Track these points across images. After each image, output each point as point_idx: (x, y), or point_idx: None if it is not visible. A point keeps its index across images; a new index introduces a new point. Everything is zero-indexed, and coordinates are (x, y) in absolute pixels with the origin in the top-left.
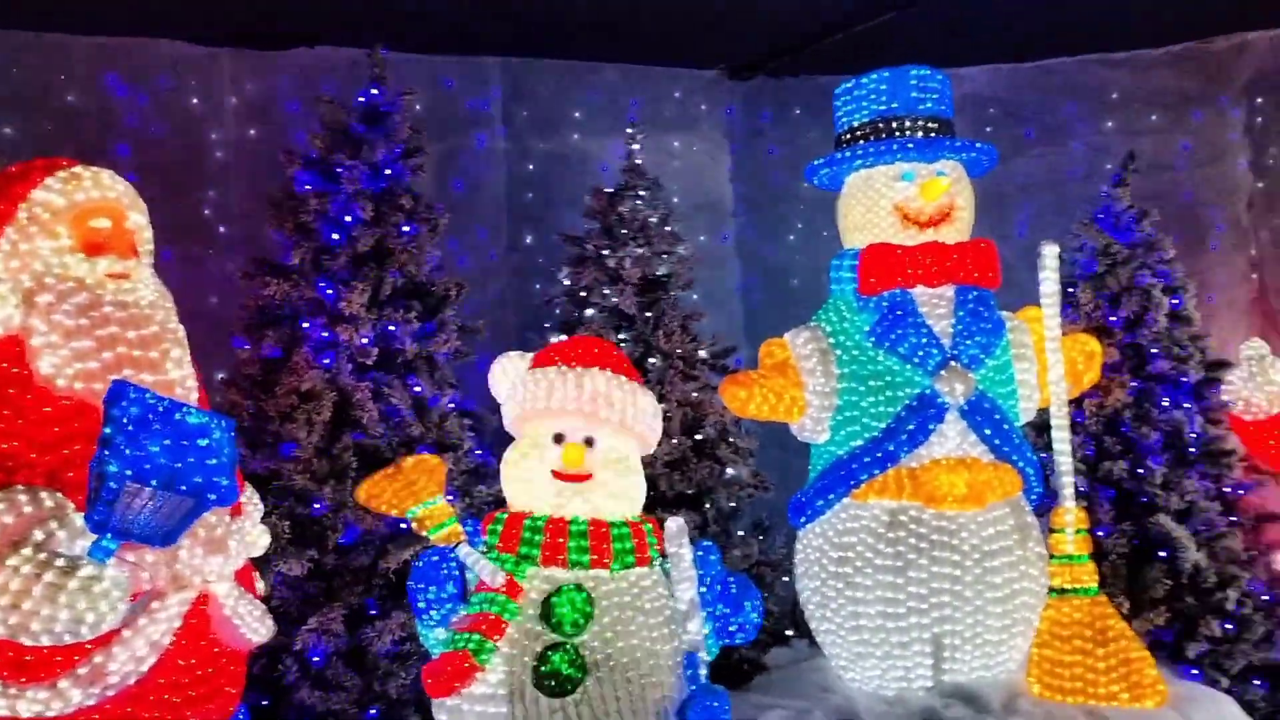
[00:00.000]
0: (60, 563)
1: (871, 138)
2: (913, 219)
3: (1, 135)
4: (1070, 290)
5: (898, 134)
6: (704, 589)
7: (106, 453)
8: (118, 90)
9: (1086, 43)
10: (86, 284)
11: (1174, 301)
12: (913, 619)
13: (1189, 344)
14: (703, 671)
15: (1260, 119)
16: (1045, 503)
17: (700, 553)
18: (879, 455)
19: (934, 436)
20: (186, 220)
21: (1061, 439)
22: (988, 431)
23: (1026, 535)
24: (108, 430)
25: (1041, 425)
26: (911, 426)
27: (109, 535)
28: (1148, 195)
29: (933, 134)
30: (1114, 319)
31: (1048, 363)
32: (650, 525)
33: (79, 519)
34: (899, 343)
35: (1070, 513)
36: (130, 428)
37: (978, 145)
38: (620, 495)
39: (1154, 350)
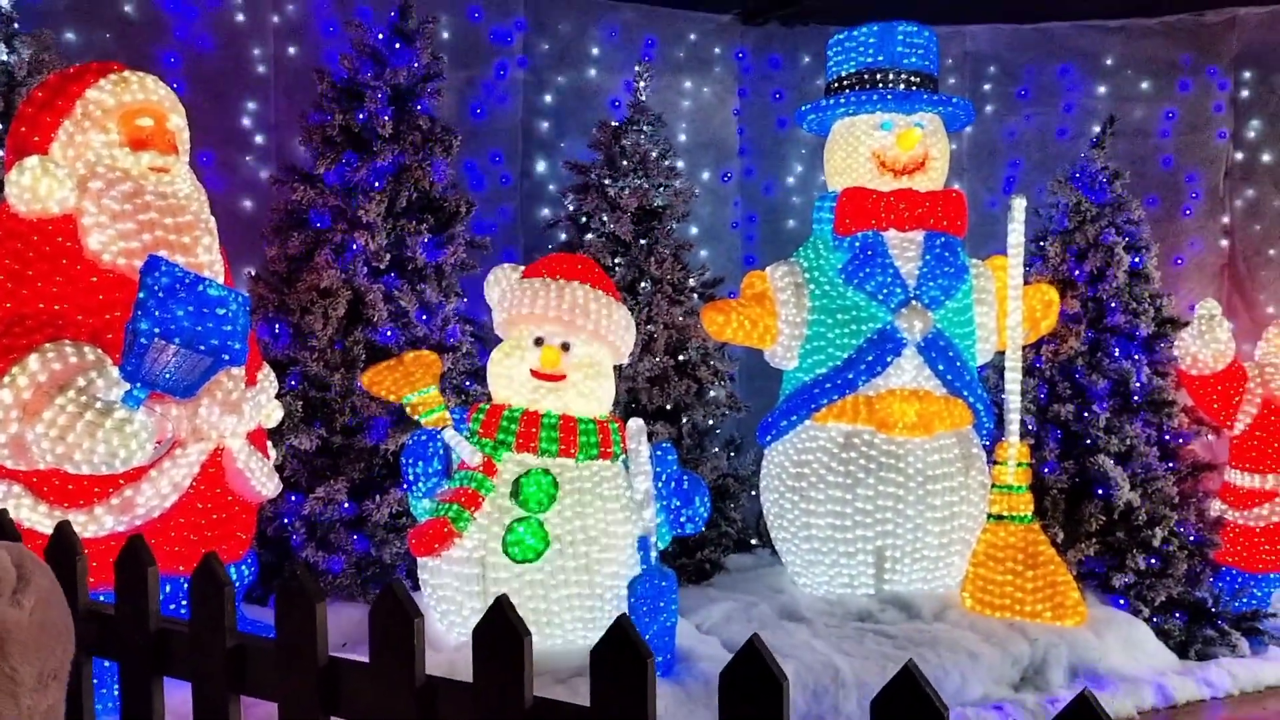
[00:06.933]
0: (99, 405)
1: (856, 87)
2: (889, 166)
3: (63, 41)
4: (1041, 243)
5: (880, 85)
6: (659, 484)
7: (139, 313)
8: (169, 4)
9: (1085, 8)
10: (131, 174)
11: (1135, 260)
12: (859, 531)
13: (1146, 300)
14: (654, 554)
15: (1245, 92)
16: (995, 437)
17: (659, 452)
18: (839, 382)
19: (891, 369)
20: (226, 128)
21: (1013, 379)
22: (941, 367)
23: (970, 464)
24: (141, 294)
25: (1001, 367)
26: (871, 358)
27: (139, 385)
28: (1132, 158)
29: (914, 87)
30: (1079, 273)
31: (1008, 308)
32: (615, 424)
33: (115, 370)
34: (866, 280)
35: (1014, 447)
36: (160, 294)
37: (954, 100)
38: (589, 395)
39: (1112, 304)
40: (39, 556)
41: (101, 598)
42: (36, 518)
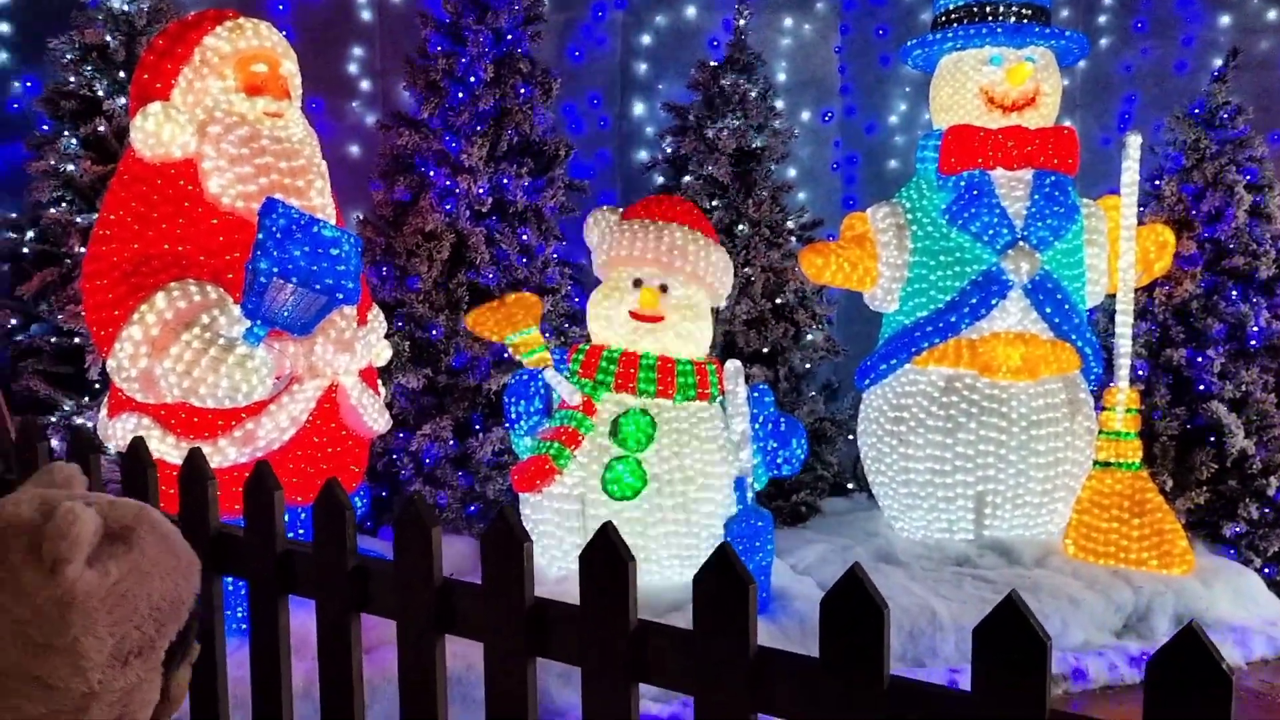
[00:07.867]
0: (222, 341)
1: (964, 21)
2: (997, 102)
3: None
4: (1156, 182)
5: (990, 18)
6: (756, 425)
7: (258, 253)
8: None
9: None
10: (248, 119)
11: (1256, 199)
12: (958, 476)
13: (1267, 241)
14: (750, 495)
15: None
16: (1104, 382)
17: (756, 394)
18: (941, 325)
19: (996, 311)
20: (333, 74)
21: (1124, 323)
22: (1048, 310)
23: (1077, 409)
24: (260, 235)
25: (1112, 310)
26: (975, 300)
27: (259, 322)
28: (1256, 92)
29: (1025, 20)
30: (1196, 213)
31: (1120, 250)
32: (713, 365)
33: (236, 309)
34: (971, 221)
35: (1122, 392)
36: (278, 235)
37: (1067, 33)
38: (687, 337)
39: (1230, 245)
40: (165, 518)
41: None
42: (165, 449)
